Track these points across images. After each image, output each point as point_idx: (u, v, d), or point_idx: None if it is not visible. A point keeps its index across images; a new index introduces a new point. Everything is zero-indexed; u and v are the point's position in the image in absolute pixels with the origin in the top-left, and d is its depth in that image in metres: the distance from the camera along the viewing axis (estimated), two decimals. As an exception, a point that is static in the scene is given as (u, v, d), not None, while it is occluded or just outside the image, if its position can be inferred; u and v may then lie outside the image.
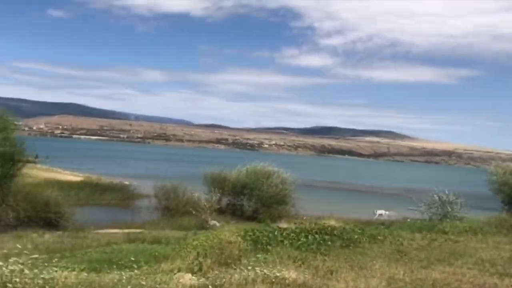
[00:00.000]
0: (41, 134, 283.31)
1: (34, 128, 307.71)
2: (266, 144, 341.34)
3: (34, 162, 44.59)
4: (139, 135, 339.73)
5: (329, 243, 13.47)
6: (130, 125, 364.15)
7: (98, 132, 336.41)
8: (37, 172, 35.57)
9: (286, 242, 13.06)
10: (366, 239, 14.58)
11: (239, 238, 11.14)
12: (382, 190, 65.88)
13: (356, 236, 14.69)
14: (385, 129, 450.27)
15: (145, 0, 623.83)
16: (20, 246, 11.66)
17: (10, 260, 6.00)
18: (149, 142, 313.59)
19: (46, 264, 7.63)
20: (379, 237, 15.11)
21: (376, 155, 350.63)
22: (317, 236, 14.06)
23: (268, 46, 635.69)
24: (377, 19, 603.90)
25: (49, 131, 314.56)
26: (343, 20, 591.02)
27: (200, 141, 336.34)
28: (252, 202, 29.70)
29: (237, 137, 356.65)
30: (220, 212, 26.36)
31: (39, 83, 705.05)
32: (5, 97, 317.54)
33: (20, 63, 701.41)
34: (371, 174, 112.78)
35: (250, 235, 13.24)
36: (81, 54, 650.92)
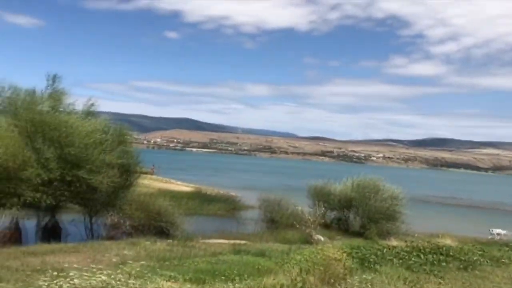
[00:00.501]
0: (157, 146, 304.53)
1: (152, 141, 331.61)
2: (374, 156, 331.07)
3: (151, 173, 47.70)
4: (245, 148, 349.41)
5: (444, 264, 12.41)
6: (238, 138, 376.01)
7: (208, 144, 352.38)
8: (152, 182, 37.84)
9: (395, 261, 12.28)
10: (487, 262, 13.20)
11: (345, 255, 10.64)
12: (503, 206, 60.02)
13: (475, 258, 13.39)
14: (506, 140, 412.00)
15: (252, 18, 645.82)
16: (128, 253, 12.27)
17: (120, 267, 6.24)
18: (255, 155, 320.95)
19: (154, 271, 7.85)
20: (503, 260, 13.59)
21: (495, 169, 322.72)
22: (430, 256, 13.07)
23: (375, 56, 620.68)
24: (496, 23, 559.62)
25: (165, 144, 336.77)
26: (456, 26, 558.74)
27: (304, 154, 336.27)
28: (358, 217, 28.56)
29: (342, 150, 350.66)
30: (325, 226, 25.74)
31: (157, 100, 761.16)
32: (127, 113, 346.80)
33: (139, 82, 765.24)
34: (490, 189, 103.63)
35: (356, 253, 12.66)
36: (193, 72, 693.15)
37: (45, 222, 19.39)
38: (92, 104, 21.52)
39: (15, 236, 18.23)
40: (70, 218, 21.01)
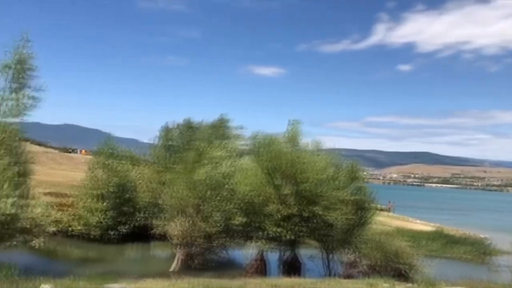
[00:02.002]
0: (393, 182, 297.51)
1: (388, 177, 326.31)
2: None
3: (387, 210, 46.39)
4: (495, 183, 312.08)
5: None
6: (485, 172, 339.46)
7: (450, 180, 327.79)
8: (388, 220, 36.61)
9: None
10: None
11: None
12: None
13: None
14: None
15: (496, 40, 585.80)
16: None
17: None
18: (507, 190, 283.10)
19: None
20: None
21: None
22: None
23: None
24: None
25: (401, 179, 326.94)
26: None
27: None
28: None
29: None
30: None
31: (391, 134, 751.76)
32: (361, 149, 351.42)
33: (372, 118, 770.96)
34: None
35: None
36: (429, 103, 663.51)
37: (286, 256, 20.43)
38: (318, 141, 22.14)
39: (261, 267, 19.72)
40: (309, 253, 21.65)
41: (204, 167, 19.87)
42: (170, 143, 24.41)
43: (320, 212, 18.76)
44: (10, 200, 13.56)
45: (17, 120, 16.22)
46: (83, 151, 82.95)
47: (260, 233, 19.38)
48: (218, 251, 20.88)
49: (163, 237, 23.00)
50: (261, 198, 19.48)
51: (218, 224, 19.10)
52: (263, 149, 20.92)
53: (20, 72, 15.83)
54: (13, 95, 15.81)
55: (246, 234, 19.93)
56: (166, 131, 25.02)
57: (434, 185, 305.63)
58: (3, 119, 15.72)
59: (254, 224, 19.58)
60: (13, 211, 13.57)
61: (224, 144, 22.60)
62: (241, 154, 24.21)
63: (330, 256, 20.90)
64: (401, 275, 18.98)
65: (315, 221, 19.41)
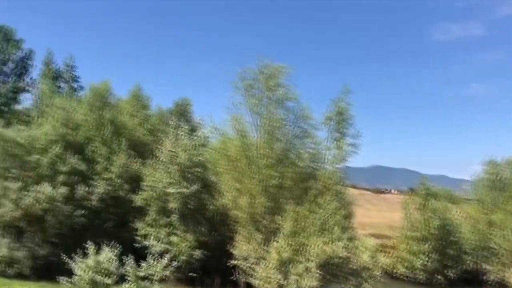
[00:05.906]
0: None
1: None
2: None
3: None
4: None
5: None
6: None
7: None
8: None
9: None
10: None
11: None
12: None
13: None
14: None
15: None
16: None
17: None
18: None
19: None
20: None
21: None
22: None
23: None
24: None
25: None
26: None
27: None
28: None
29: None
30: None
31: None
32: None
33: None
34: None
35: None
36: None
37: None
38: None
39: None
40: None
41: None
42: (496, 177, 21.63)
43: None
44: (340, 243, 14.22)
45: (338, 166, 17.40)
46: (395, 191, 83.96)
47: None
48: None
49: (499, 284, 20.28)
50: None
51: None
52: None
53: (340, 122, 17.14)
54: (335, 143, 17.14)
55: None
56: (492, 166, 22.40)
57: None
58: (328, 167, 17.07)
59: None
60: (344, 254, 14.16)
61: None
62: None
63: None
64: None
65: None
